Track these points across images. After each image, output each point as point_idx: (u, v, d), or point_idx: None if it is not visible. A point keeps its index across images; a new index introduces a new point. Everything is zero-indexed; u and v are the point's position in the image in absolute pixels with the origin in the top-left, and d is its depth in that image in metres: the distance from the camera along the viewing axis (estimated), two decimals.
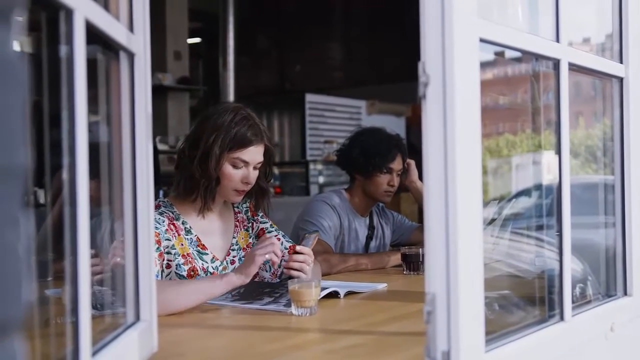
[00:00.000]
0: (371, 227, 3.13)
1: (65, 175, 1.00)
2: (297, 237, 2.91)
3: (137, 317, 1.35)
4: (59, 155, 1.01)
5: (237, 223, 2.36)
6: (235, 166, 2.17)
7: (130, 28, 1.34)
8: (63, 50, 1.01)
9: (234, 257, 2.30)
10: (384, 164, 2.96)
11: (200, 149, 2.14)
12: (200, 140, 2.15)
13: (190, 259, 2.16)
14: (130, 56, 1.34)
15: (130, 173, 1.34)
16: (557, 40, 1.50)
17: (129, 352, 1.26)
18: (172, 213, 2.20)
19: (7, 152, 0.57)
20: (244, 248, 2.33)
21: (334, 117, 8.11)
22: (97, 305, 1.31)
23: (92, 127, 1.09)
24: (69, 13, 0.99)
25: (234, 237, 2.33)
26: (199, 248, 2.20)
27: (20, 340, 0.61)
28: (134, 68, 1.35)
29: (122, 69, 1.33)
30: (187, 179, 2.19)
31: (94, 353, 1.07)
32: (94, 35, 1.10)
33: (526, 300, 1.67)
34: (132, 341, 1.27)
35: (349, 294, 2.15)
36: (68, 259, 1.00)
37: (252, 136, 2.16)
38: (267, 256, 1.97)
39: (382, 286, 2.32)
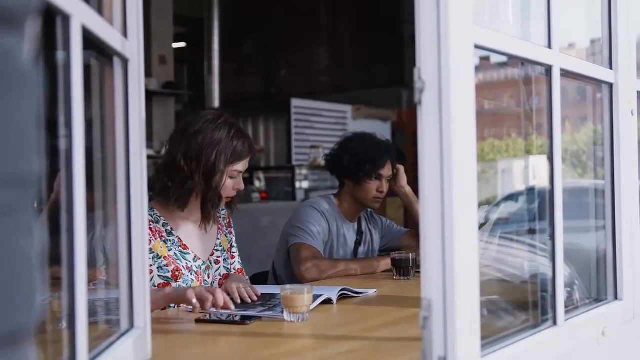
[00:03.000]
0: (360, 233, 3.12)
1: (61, 180, 1.00)
2: (286, 243, 2.91)
3: (131, 324, 1.34)
4: (50, 161, 1.01)
5: (220, 226, 2.44)
6: (231, 177, 2.27)
7: (124, 33, 1.33)
8: (59, 55, 1.00)
9: (218, 257, 2.37)
10: (375, 170, 2.96)
11: (202, 164, 2.20)
12: (199, 155, 2.20)
13: (172, 260, 2.21)
14: (124, 62, 1.33)
15: (124, 179, 1.33)
16: (549, 46, 1.51)
17: (124, 359, 1.25)
18: (152, 216, 2.23)
19: (22, 160, 0.57)
20: (227, 250, 2.42)
21: (320, 122, 8.11)
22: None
23: (85, 133, 1.09)
24: (66, 19, 0.98)
25: (217, 239, 2.40)
26: (180, 248, 2.26)
27: (33, 347, 0.60)
28: (128, 73, 1.34)
29: (115, 75, 1.33)
30: (187, 191, 2.22)
31: None
32: (88, 41, 1.10)
33: (518, 305, 1.68)
34: (127, 348, 1.27)
35: (342, 298, 2.15)
36: (65, 266, 0.99)
37: (248, 149, 2.29)
38: (194, 301, 1.89)
39: (372, 292, 2.33)
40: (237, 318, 1.87)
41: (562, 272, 1.52)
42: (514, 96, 1.92)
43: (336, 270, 2.76)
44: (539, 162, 1.71)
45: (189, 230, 2.31)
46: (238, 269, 2.44)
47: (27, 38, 0.61)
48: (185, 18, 8.60)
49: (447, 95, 1.15)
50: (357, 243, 3.10)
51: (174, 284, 2.17)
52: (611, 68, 1.81)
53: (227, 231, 2.46)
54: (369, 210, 3.18)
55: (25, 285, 0.57)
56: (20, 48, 0.59)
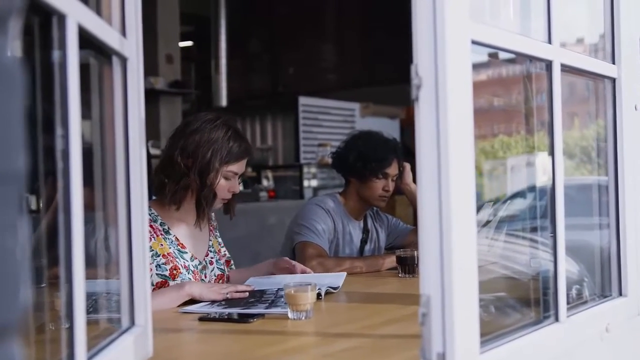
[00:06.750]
0: (365, 231, 3.12)
1: (59, 181, 1.00)
2: (291, 241, 2.91)
3: (132, 322, 1.35)
4: (52, 161, 1.01)
5: (211, 228, 2.48)
6: (226, 178, 2.30)
7: (123, 32, 1.33)
8: (55, 55, 1.01)
9: (211, 258, 2.42)
10: (380, 169, 2.95)
11: (198, 162, 2.24)
12: (195, 152, 2.24)
13: (171, 258, 2.24)
14: (123, 61, 1.33)
15: (124, 179, 1.34)
16: (549, 41, 1.50)
17: (125, 357, 1.25)
18: (150, 215, 2.25)
19: (6, 157, 0.58)
20: (217, 252, 2.45)
21: (327, 120, 8.10)
22: (89, 309, 1.30)
23: (84, 133, 1.09)
24: (62, 18, 0.99)
25: (209, 240, 2.44)
26: (179, 247, 2.29)
27: (18, 344, 0.61)
28: (127, 72, 1.34)
29: (114, 74, 1.33)
30: (182, 189, 2.26)
31: (89, 358, 1.07)
32: (86, 40, 1.10)
33: (521, 301, 1.68)
34: (128, 346, 1.27)
35: (347, 295, 2.16)
36: (62, 263, 1.00)
37: (245, 150, 2.32)
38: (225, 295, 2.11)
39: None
40: (239, 316, 1.87)
41: (564, 267, 1.51)
42: (522, 93, 1.92)
43: (341, 268, 2.75)
44: (547, 159, 1.70)
45: (184, 231, 2.34)
46: (218, 274, 2.43)
47: (10, 37, 0.61)
48: (191, 16, 8.61)
49: (444, 91, 1.15)
50: (364, 241, 3.10)
51: (171, 283, 2.19)
52: (614, 63, 1.79)
53: (216, 234, 2.51)
54: (375, 208, 3.17)
55: (9, 282, 0.57)
56: (4, 46, 0.60)
